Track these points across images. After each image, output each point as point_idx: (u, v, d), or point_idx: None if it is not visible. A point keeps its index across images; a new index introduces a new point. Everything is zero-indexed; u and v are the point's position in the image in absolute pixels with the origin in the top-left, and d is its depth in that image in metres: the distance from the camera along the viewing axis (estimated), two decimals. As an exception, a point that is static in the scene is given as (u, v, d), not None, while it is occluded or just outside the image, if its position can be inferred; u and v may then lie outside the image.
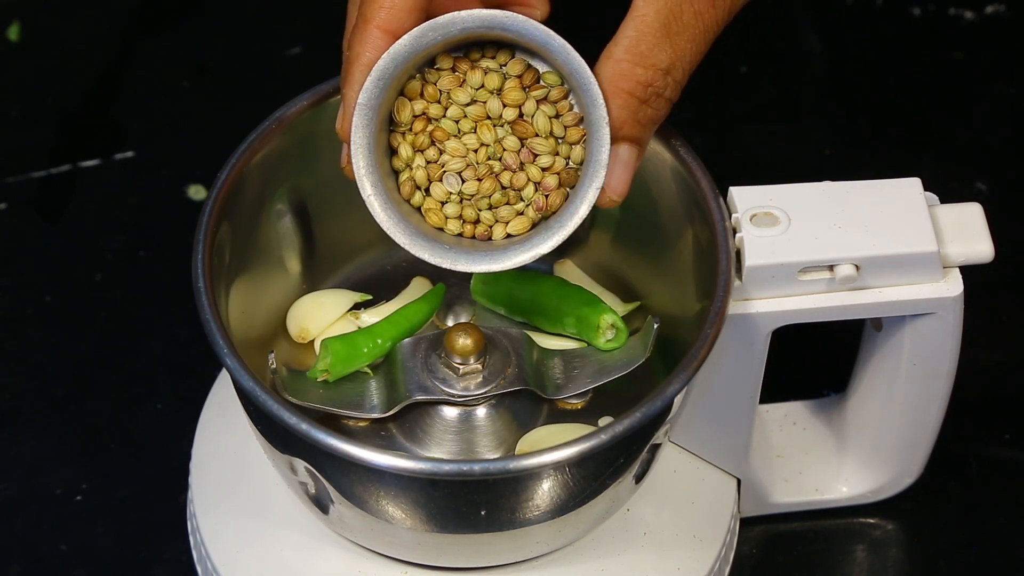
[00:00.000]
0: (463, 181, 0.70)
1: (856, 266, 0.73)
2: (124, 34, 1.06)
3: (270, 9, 1.08)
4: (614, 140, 0.68)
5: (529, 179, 0.70)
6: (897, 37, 1.07)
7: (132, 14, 1.07)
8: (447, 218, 0.71)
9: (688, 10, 0.67)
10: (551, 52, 0.68)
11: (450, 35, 0.68)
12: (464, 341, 0.73)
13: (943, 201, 0.75)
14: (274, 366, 0.74)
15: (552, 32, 0.68)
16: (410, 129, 0.70)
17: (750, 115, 1.03)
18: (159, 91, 1.04)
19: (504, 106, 0.70)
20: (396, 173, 0.71)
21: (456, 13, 0.68)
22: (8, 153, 1.01)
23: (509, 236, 0.71)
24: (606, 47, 0.68)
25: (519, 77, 0.70)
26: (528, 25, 0.68)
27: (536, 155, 0.70)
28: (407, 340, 0.76)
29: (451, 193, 0.70)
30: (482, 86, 0.70)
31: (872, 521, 0.86)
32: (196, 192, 0.99)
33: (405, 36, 0.68)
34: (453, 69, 0.70)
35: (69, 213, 0.98)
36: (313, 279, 0.80)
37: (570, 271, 0.80)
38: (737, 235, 0.72)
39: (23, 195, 0.99)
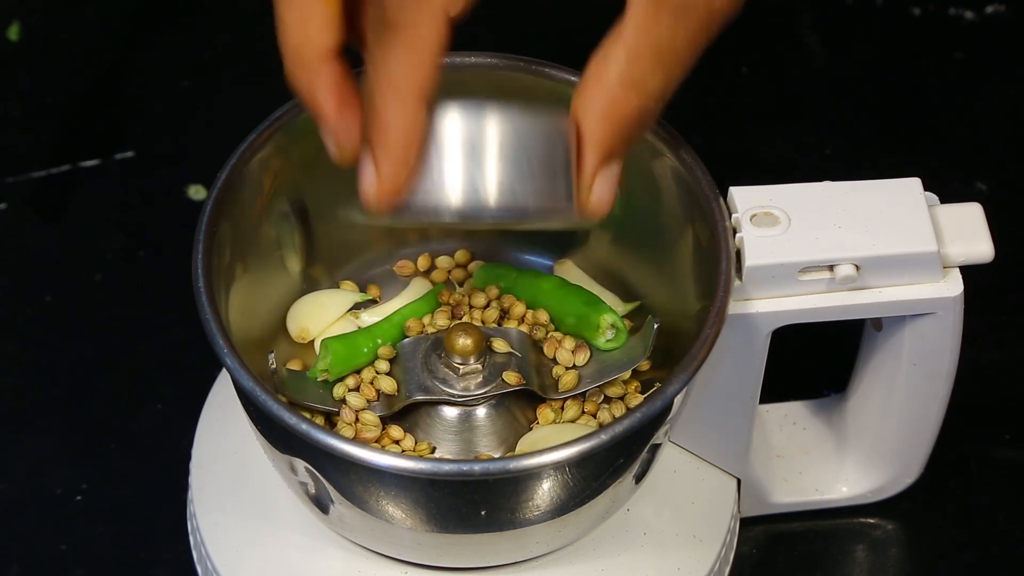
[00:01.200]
0: None
1: (856, 266, 0.73)
2: (124, 34, 1.06)
3: (270, 9, 1.08)
4: (606, 162, 0.66)
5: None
6: (897, 37, 1.07)
7: (132, 14, 1.07)
8: None
9: (682, 35, 0.64)
10: None
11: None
12: (464, 341, 0.73)
13: (943, 201, 0.75)
14: (274, 366, 0.74)
15: None
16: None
17: (750, 115, 1.03)
18: (159, 91, 1.04)
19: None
20: None
21: None
22: (8, 153, 1.01)
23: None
24: (594, 65, 0.65)
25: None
26: None
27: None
28: (407, 340, 0.76)
29: None
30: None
31: (872, 521, 0.86)
32: (196, 192, 0.99)
33: None
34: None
35: (69, 213, 0.98)
36: (313, 279, 0.80)
37: (570, 271, 0.80)
38: (737, 235, 0.72)
39: (23, 195, 0.99)
